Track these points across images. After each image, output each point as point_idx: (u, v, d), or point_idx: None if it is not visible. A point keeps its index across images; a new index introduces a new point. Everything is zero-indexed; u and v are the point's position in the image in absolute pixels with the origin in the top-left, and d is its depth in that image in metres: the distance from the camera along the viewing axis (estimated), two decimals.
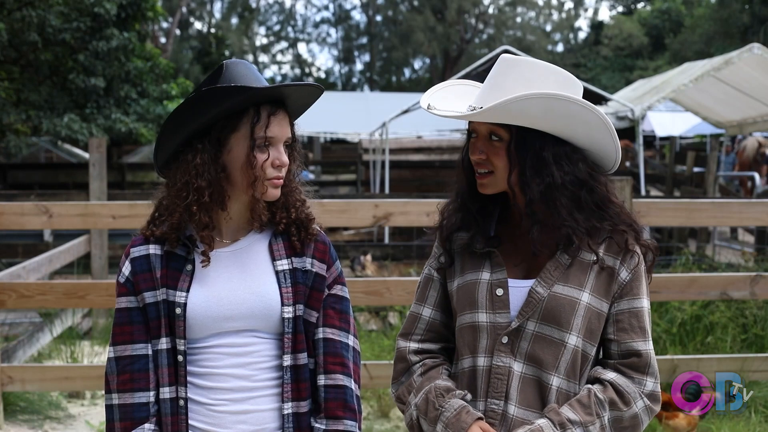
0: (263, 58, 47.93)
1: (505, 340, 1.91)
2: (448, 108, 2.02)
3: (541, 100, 1.84)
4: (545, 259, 1.95)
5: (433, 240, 2.12)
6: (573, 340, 1.90)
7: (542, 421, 1.85)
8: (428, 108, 2.02)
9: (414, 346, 2.04)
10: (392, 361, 2.12)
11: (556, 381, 1.91)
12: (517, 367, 1.91)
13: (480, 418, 1.89)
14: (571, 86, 1.93)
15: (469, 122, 1.99)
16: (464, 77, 10.92)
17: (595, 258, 1.92)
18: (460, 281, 2.01)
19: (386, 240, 10.71)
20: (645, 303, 1.95)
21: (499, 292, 1.93)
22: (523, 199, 1.93)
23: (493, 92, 1.91)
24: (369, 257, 7.99)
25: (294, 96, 2.00)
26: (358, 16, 52.73)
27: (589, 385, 1.92)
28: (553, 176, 1.89)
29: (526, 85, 1.87)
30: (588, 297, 1.91)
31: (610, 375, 1.92)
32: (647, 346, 1.93)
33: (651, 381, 1.93)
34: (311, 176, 15.99)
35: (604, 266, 1.93)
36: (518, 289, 1.94)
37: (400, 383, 2.03)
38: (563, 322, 1.89)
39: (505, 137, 1.91)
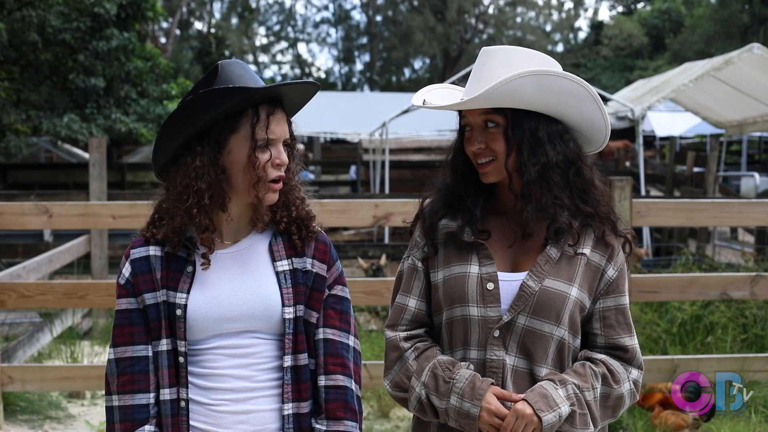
0: (263, 58, 47.96)
1: (497, 333, 1.94)
2: (440, 104, 2.05)
3: (533, 77, 1.90)
4: (533, 252, 1.99)
5: (412, 229, 2.14)
6: (561, 332, 1.95)
7: (543, 382, 1.91)
8: (423, 103, 2.06)
9: (403, 334, 2.06)
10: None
11: (545, 372, 1.95)
12: (510, 360, 1.95)
13: (492, 384, 1.92)
14: (553, 66, 1.99)
15: (462, 118, 2.03)
16: (464, 77, 10.92)
17: (580, 251, 1.97)
18: (447, 273, 2.02)
19: (386, 240, 10.71)
20: (627, 299, 2.04)
21: (490, 286, 1.96)
22: (520, 183, 1.96)
23: (480, 82, 1.95)
24: (383, 259, 7.99)
25: (291, 94, 2.00)
26: (358, 16, 52.78)
27: (583, 361, 1.98)
28: (547, 155, 1.95)
29: (510, 70, 1.92)
30: (576, 291, 1.96)
31: (600, 355, 1.99)
32: (633, 341, 2.01)
33: (636, 371, 2.01)
34: (311, 176, 15.99)
35: (591, 263, 1.98)
36: (508, 283, 1.97)
37: (394, 372, 2.04)
38: (553, 315, 1.94)
39: (501, 122, 1.96)
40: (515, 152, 1.95)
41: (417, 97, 2.09)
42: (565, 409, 1.87)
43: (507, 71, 1.91)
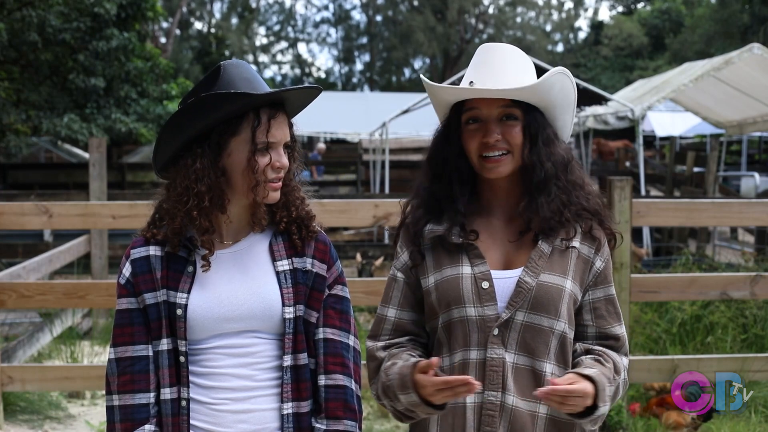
0: (263, 58, 47.96)
1: (496, 332, 1.94)
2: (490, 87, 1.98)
3: (562, 76, 1.98)
4: (523, 249, 1.99)
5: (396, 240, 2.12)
6: (561, 326, 1.95)
7: (599, 375, 1.87)
8: (470, 85, 1.99)
9: (381, 344, 2.06)
10: None
11: (549, 368, 1.94)
12: (510, 357, 1.94)
13: (415, 364, 1.89)
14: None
15: (467, 110, 1.99)
16: (463, 78, 10.90)
17: (571, 245, 1.98)
18: (438, 277, 2.00)
19: (386, 240, 10.71)
20: (614, 289, 2.06)
21: (485, 285, 1.95)
22: (532, 177, 1.97)
23: (505, 75, 1.96)
24: (380, 261, 7.99)
25: (292, 98, 2.01)
26: (358, 16, 52.77)
27: (592, 354, 1.98)
28: (555, 151, 2.00)
29: (524, 66, 1.99)
30: (570, 284, 1.97)
31: (600, 347, 1.99)
32: (622, 330, 2.04)
33: (626, 359, 2.03)
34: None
35: (581, 255, 1.99)
36: (503, 281, 1.96)
37: (375, 382, 2.05)
38: (552, 309, 1.94)
39: (520, 116, 1.98)
40: (529, 147, 1.97)
41: (464, 81, 2.00)
42: (604, 409, 1.87)
43: (523, 67, 1.97)
